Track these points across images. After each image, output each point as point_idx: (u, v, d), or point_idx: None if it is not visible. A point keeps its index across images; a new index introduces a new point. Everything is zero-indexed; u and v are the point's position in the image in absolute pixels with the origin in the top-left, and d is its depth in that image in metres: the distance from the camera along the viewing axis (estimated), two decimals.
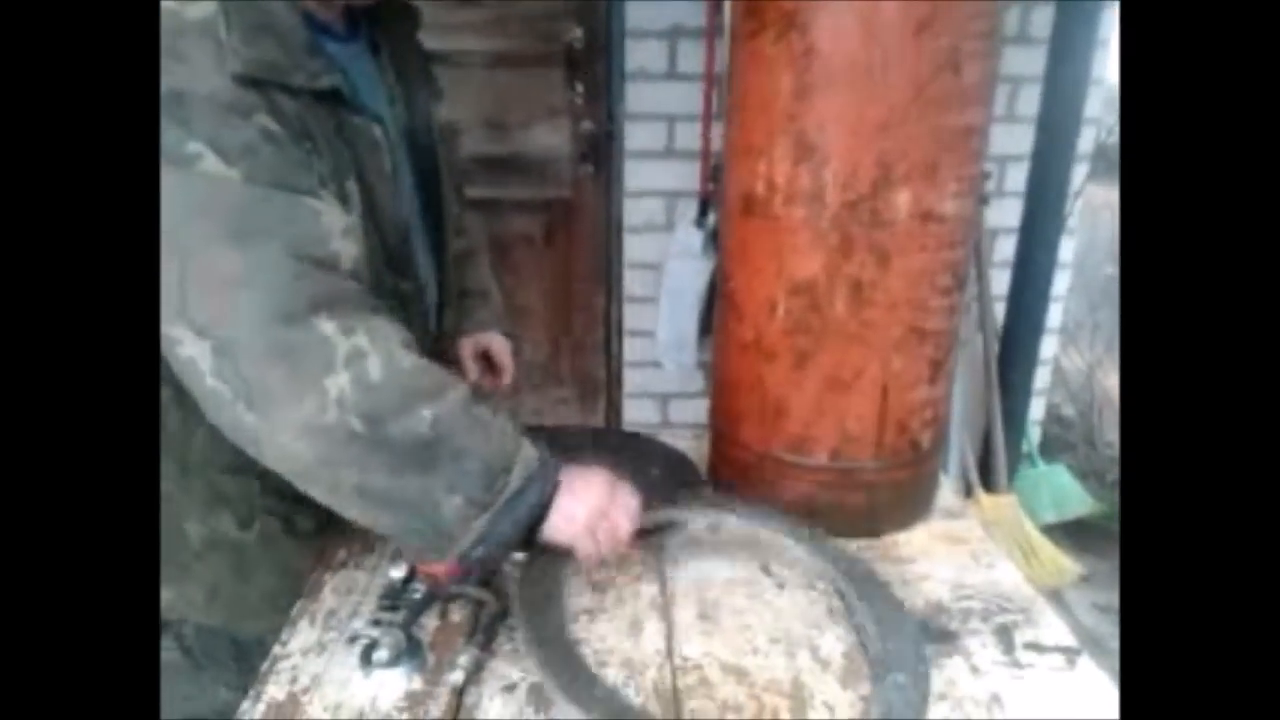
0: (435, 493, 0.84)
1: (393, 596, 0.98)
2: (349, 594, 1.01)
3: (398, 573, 1.00)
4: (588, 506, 0.92)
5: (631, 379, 2.61)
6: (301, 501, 0.87)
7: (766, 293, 1.13)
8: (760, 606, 1.03)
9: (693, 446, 1.38)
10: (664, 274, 2.37)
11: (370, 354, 0.81)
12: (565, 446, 1.45)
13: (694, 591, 1.05)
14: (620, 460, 1.16)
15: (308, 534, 1.07)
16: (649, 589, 1.05)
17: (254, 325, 0.77)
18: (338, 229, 0.83)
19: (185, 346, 0.78)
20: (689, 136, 2.35)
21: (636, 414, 2.63)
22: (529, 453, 0.90)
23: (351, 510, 0.86)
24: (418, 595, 0.98)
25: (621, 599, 1.03)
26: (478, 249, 1.38)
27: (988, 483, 2.56)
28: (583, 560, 0.96)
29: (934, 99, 1.04)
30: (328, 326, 0.79)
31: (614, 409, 2.66)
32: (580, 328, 2.62)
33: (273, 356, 0.78)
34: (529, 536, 0.91)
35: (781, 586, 1.06)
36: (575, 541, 0.93)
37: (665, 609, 1.02)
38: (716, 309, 1.28)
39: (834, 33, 1.02)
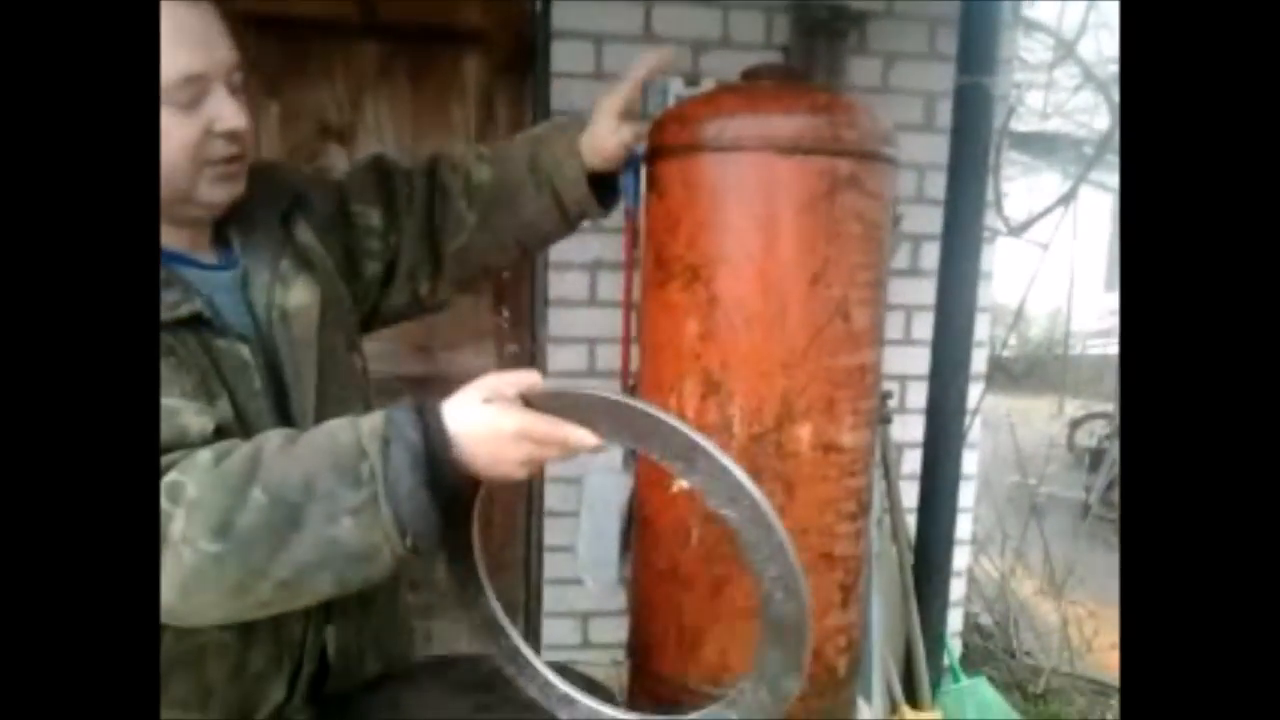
0: (325, 533, 0.79)
1: None
2: None
3: None
4: (486, 422, 0.86)
5: (551, 596, 2.56)
6: None
7: (681, 520, 1.17)
8: None
9: (612, 675, 1.36)
10: (584, 488, 2.39)
11: (183, 481, 0.78)
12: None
13: None
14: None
15: None
16: None
17: None
18: (191, 409, 0.84)
19: None
20: (609, 357, 2.46)
21: (555, 634, 2.56)
22: (371, 422, 0.82)
23: (297, 598, 0.82)
24: None
25: None
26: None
27: (911, 697, 2.53)
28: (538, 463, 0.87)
29: (828, 343, 1.14)
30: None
31: (532, 631, 2.58)
32: (498, 545, 2.59)
33: None
34: (446, 478, 0.83)
35: None
36: (507, 458, 0.86)
37: None
38: (634, 534, 1.30)
39: (735, 284, 1.13)
